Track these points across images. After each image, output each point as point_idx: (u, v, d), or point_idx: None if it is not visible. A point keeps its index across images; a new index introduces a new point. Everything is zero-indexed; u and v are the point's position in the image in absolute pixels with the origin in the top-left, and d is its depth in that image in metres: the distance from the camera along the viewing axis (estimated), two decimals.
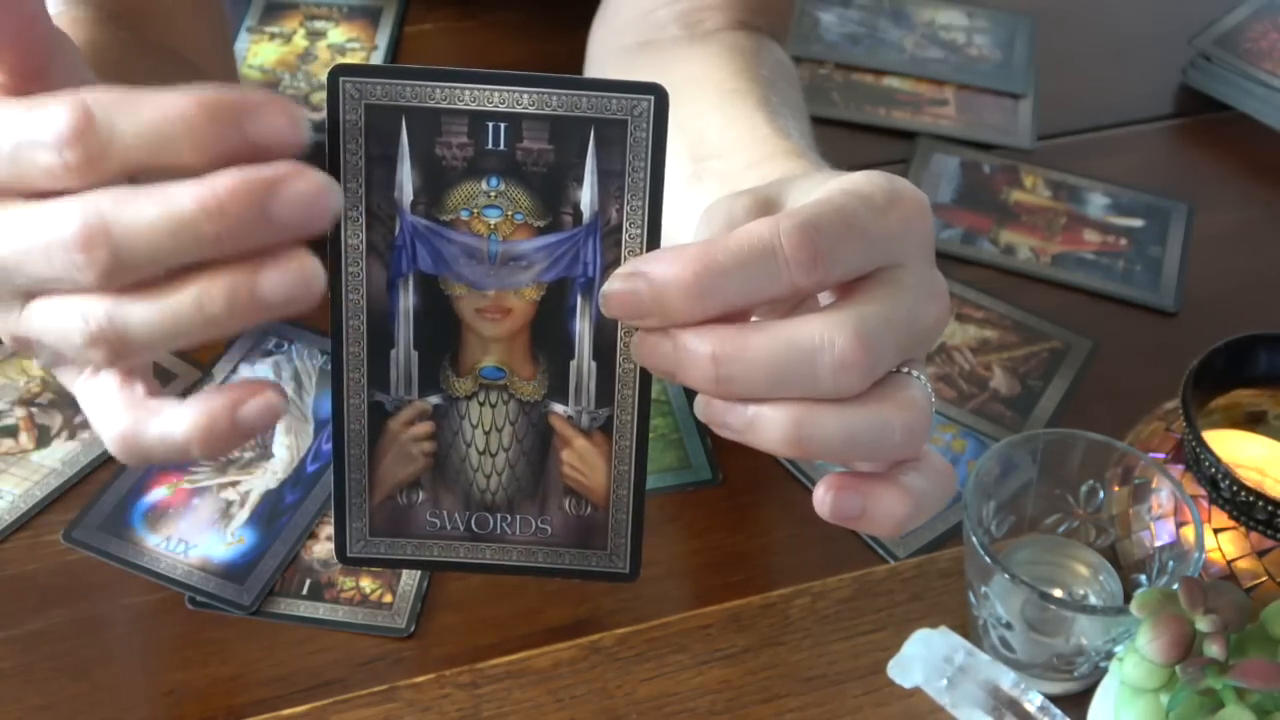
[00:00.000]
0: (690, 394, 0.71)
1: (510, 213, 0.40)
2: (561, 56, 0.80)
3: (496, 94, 0.39)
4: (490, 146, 0.39)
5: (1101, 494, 0.58)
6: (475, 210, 0.40)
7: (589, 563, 0.44)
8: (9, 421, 0.67)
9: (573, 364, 0.42)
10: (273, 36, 0.92)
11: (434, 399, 0.42)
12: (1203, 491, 0.56)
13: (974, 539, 0.53)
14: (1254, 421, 0.62)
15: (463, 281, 0.41)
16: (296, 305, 0.37)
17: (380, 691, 0.56)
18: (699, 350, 0.38)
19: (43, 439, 0.67)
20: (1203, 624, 0.47)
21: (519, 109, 0.39)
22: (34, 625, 0.59)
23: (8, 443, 0.67)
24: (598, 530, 0.44)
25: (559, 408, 0.42)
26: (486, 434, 0.43)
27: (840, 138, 0.89)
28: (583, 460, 0.43)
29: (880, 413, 0.40)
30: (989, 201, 0.84)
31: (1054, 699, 0.53)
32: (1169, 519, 0.56)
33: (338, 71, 0.39)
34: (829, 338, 0.38)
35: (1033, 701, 0.52)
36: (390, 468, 0.43)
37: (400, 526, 0.44)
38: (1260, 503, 0.54)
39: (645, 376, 0.42)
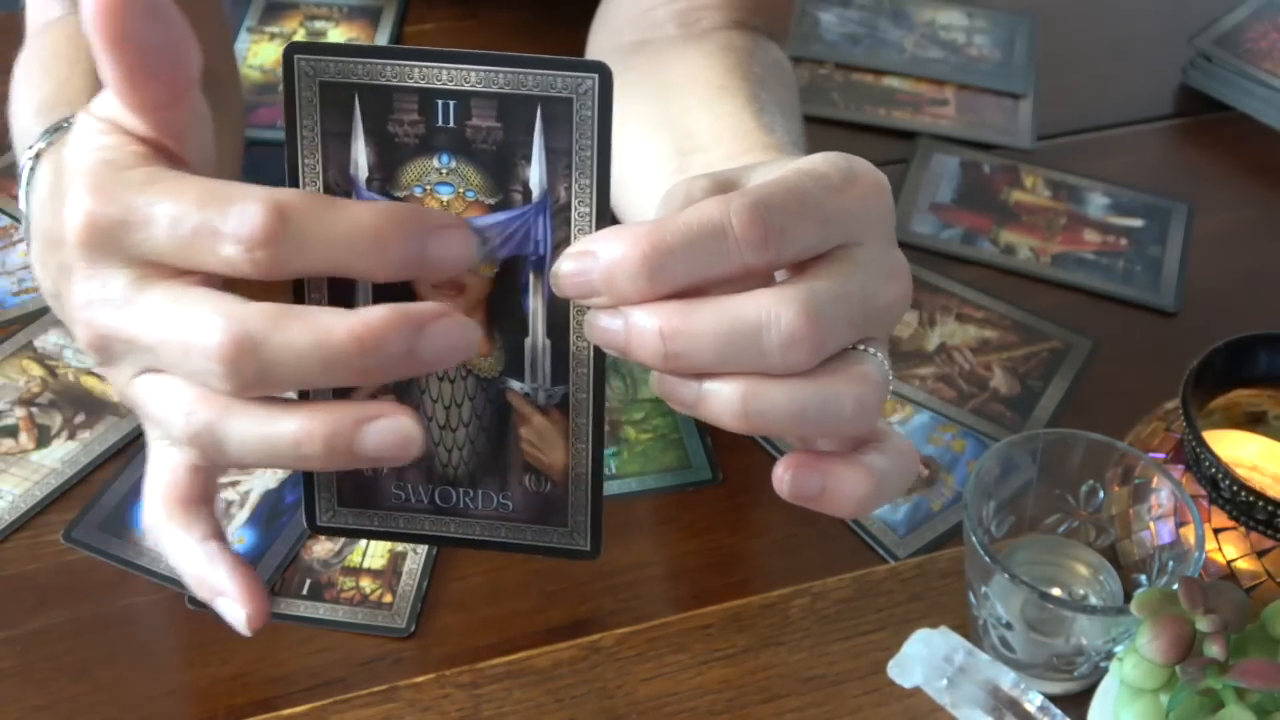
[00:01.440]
0: None
1: (462, 190, 0.41)
2: (563, 55, 0.80)
3: (445, 72, 0.39)
4: (440, 124, 0.40)
5: (1101, 494, 0.58)
6: (428, 187, 0.41)
7: (550, 539, 0.45)
8: (9, 421, 0.67)
9: (527, 341, 0.42)
10: (273, 37, 0.92)
11: None
12: (1203, 491, 0.56)
13: (974, 539, 0.53)
14: (1254, 421, 0.62)
15: None
16: (389, 463, 0.39)
17: (380, 691, 0.56)
18: (647, 326, 0.38)
19: (43, 439, 0.67)
20: (1203, 624, 0.47)
21: (467, 87, 0.39)
22: (34, 625, 0.59)
23: (8, 443, 0.67)
24: (557, 507, 0.44)
25: (516, 385, 0.43)
26: (446, 409, 0.43)
27: (840, 138, 0.89)
28: (541, 437, 0.43)
29: (830, 387, 0.39)
30: (989, 201, 0.84)
31: (1054, 699, 0.53)
32: (1169, 519, 0.56)
33: (292, 49, 0.39)
34: (776, 313, 0.38)
35: (1033, 701, 0.52)
36: None
37: (367, 498, 0.44)
38: (1260, 503, 0.54)
39: (599, 355, 0.42)
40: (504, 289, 0.42)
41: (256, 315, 0.37)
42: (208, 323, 0.37)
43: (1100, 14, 1.01)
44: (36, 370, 0.70)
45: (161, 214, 0.38)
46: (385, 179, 0.41)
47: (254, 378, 0.37)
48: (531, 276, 0.41)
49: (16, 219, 0.80)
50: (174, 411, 0.39)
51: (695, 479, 0.67)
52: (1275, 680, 0.45)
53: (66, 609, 0.60)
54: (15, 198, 0.82)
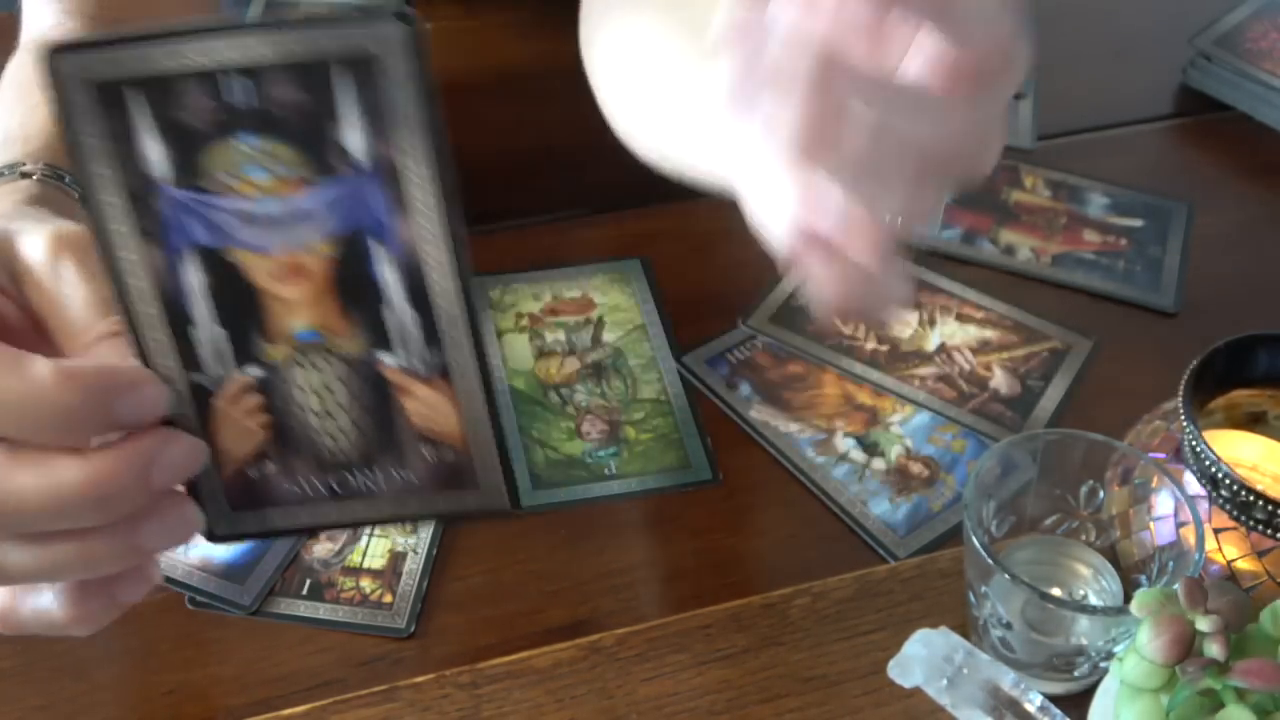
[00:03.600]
0: (690, 396, 0.71)
1: (275, 169, 0.38)
2: (564, 56, 0.80)
3: (231, 48, 0.36)
4: (238, 104, 0.37)
5: (1101, 494, 0.58)
6: (237, 173, 0.38)
7: (466, 503, 0.43)
8: None
9: (387, 313, 0.40)
10: None
11: (254, 370, 0.41)
12: (1203, 491, 0.56)
13: (974, 539, 0.53)
14: (1254, 421, 0.62)
15: (246, 248, 0.39)
16: (177, 544, 0.40)
17: (380, 691, 0.56)
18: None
19: None
20: (1203, 624, 0.47)
21: (260, 60, 0.36)
22: None
23: None
24: (465, 472, 0.42)
25: (387, 359, 0.41)
26: (319, 396, 0.41)
27: None
28: (430, 407, 0.42)
29: None
30: (989, 201, 0.84)
31: (1054, 699, 0.53)
32: (1169, 519, 0.56)
33: (52, 50, 0.36)
34: None
35: (1033, 701, 0.52)
36: (229, 445, 0.41)
37: (260, 498, 0.43)
38: (1260, 502, 0.54)
39: (472, 314, 0.40)
40: (349, 265, 0.39)
41: None
42: None
43: (1100, 14, 1.01)
44: None
45: None
46: (188, 173, 0.38)
47: None
48: (377, 247, 0.39)
49: None
50: None
51: (695, 479, 0.67)
52: (1275, 680, 0.45)
53: None
54: None
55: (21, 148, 0.50)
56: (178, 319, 0.40)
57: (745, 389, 0.72)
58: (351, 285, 0.40)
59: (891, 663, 0.54)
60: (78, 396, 0.37)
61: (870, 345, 0.74)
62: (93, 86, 0.36)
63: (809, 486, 0.67)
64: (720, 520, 0.65)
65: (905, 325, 0.75)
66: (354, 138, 0.37)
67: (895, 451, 0.69)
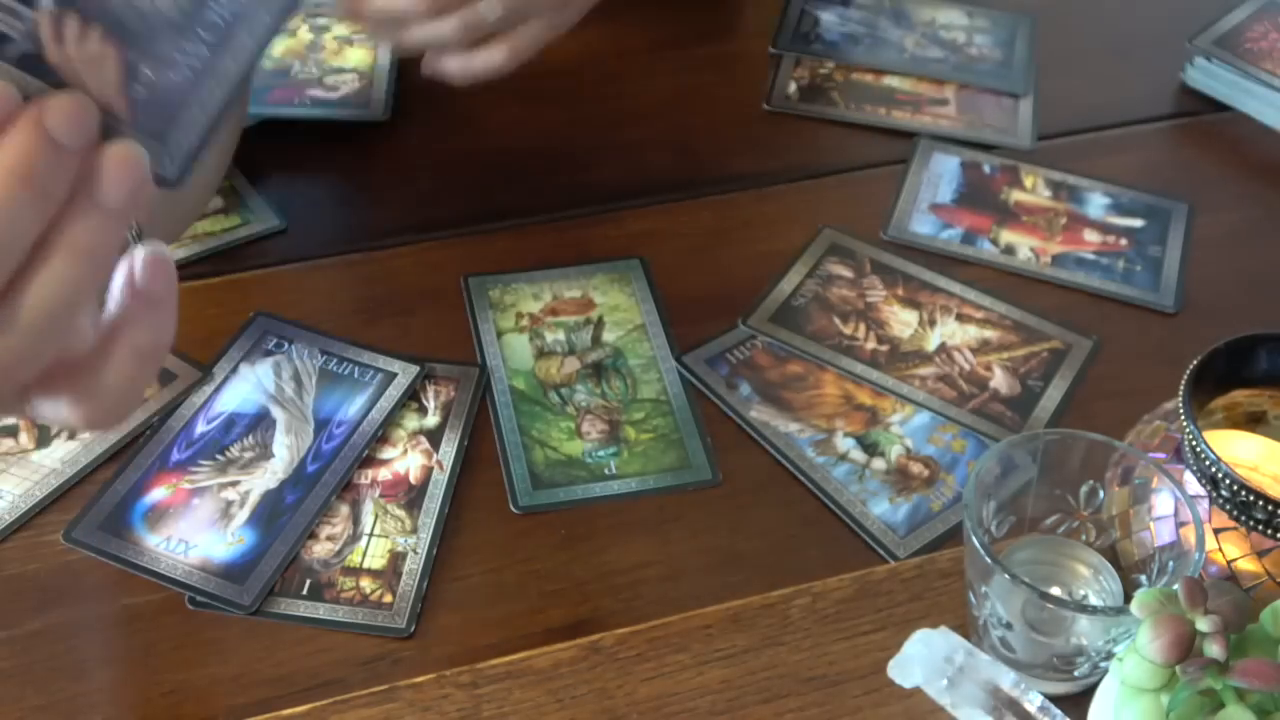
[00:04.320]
0: (690, 396, 0.71)
1: None
2: (565, 55, 0.80)
3: None
4: None
5: (1101, 494, 0.58)
6: None
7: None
8: (9, 421, 0.67)
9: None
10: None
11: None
12: (1203, 491, 0.56)
13: (974, 539, 0.53)
14: (1254, 421, 0.62)
15: None
16: (136, 185, 0.37)
17: (380, 691, 0.56)
18: None
19: (43, 439, 0.67)
20: (1203, 624, 0.47)
21: None
22: (34, 625, 0.60)
23: (8, 443, 0.67)
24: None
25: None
26: None
27: (840, 137, 0.89)
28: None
29: None
30: (989, 201, 0.84)
31: (1054, 699, 0.53)
32: (1169, 519, 0.56)
33: None
34: None
35: (1033, 701, 0.52)
36: (98, 86, 0.38)
37: (168, 107, 0.39)
38: (1260, 502, 0.54)
39: None
40: None
41: None
42: None
43: (1100, 14, 1.01)
44: None
45: None
46: None
47: None
48: None
49: None
50: None
51: (695, 479, 0.67)
52: (1275, 680, 0.45)
53: (66, 609, 0.60)
54: None
55: None
56: None
57: (745, 389, 0.72)
58: None
59: (891, 663, 0.54)
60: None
61: (870, 345, 0.74)
62: None
63: (809, 486, 0.67)
64: (720, 520, 0.65)
65: (905, 325, 0.75)
66: None
67: (895, 451, 0.69)
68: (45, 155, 0.36)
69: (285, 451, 0.67)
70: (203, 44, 0.39)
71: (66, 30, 0.38)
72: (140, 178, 0.38)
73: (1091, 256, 0.81)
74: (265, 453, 0.67)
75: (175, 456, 0.66)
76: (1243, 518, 0.55)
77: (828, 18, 0.98)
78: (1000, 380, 0.73)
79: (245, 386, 0.70)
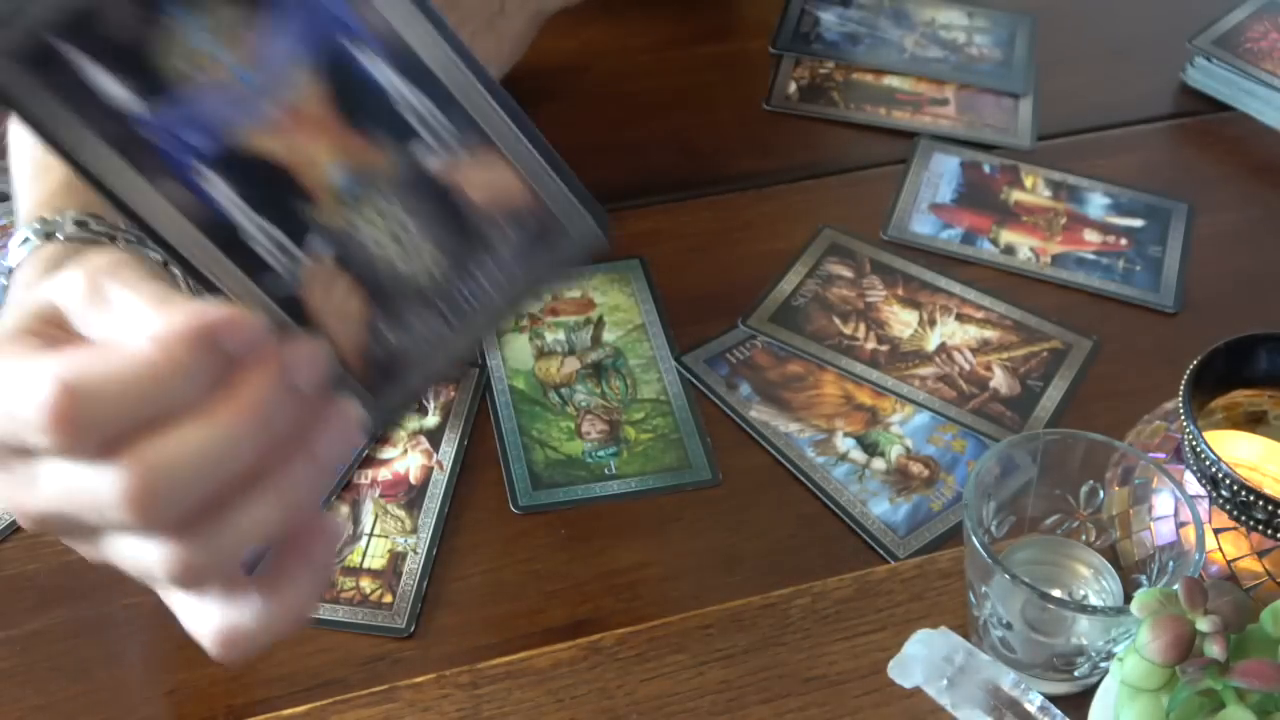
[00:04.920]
0: (690, 396, 0.71)
1: (221, 31, 0.36)
2: (565, 55, 0.80)
3: None
4: None
5: (1101, 494, 0.58)
6: (189, 55, 0.36)
7: (565, 250, 0.42)
8: None
9: (402, 110, 0.38)
10: None
11: (316, 242, 0.39)
12: (1203, 491, 0.56)
13: (974, 539, 0.53)
14: (1254, 421, 0.62)
15: (243, 126, 0.37)
16: (351, 445, 0.39)
17: (380, 691, 0.56)
18: None
19: None
20: (1203, 624, 0.47)
21: None
22: (34, 625, 0.59)
23: None
24: (549, 223, 0.41)
25: (428, 158, 0.39)
26: (392, 237, 0.40)
27: (840, 137, 0.89)
28: (488, 182, 0.40)
29: None
30: (989, 201, 0.84)
31: (1054, 699, 0.53)
32: (1169, 519, 0.56)
33: None
34: None
35: (1033, 702, 0.52)
36: (339, 334, 0.40)
37: (392, 368, 0.41)
38: (1261, 503, 0.54)
39: (478, 70, 0.38)
40: (339, 81, 0.37)
41: (145, 452, 0.36)
42: (98, 471, 0.36)
43: (1100, 14, 1.01)
44: None
45: None
46: (150, 84, 0.35)
47: (170, 510, 0.36)
48: (353, 49, 0.37)
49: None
50: (146, 561, 0.38)
51: (695, 479, 0.67)
52: (1275, 680, 0.45)
53: (66, 609, 0.60)
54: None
55: (48, 212, 0.50)
56: (224, 235, 0.38)
57: (745, 389, 0.72)
58: (354, 102, 0.38)
59: (891, 663, 0.54)
60: (184, 349, 0.36)
61: (870, 345, 0.74)
62: (15, 58, 0.34)
63: (809, 486, 0.67)
64: (720, 520, 0.65)
65: (905, 325, 0.75)
66: None
67: (895, 451, 0.69)
68: (280, 396, 0.37)
69: None
70: (443, 319, 0.41)
71: (329, 280, 0.39)
72: (356, 440, 0.40)
73: (1091, 256, 0.81)
74: None
75: None
76: (1243, 518, 0.55)
77: (828, 18, 0.98)
78: (1000, 380, 0.73)
79: None
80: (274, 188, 0.38)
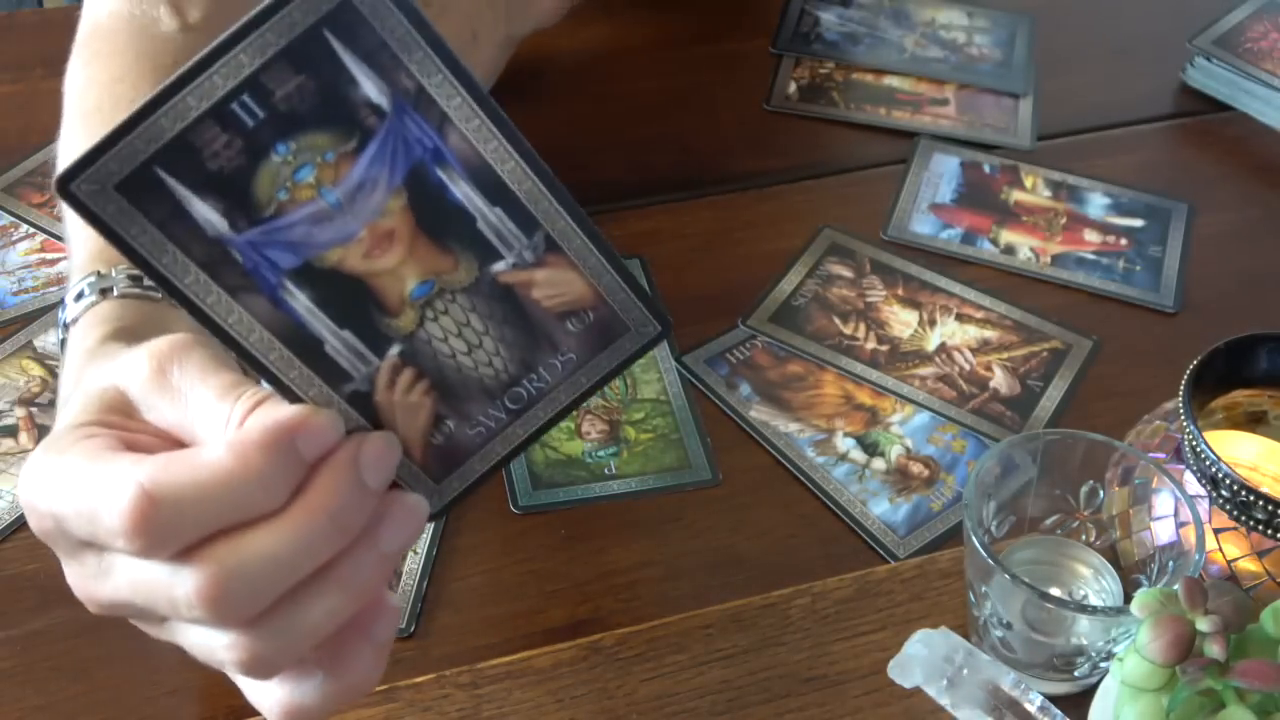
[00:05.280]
0: (690, 396, 0.71)
1: (318, 160, 0.38)
2: (565, 54, 0.80)
3: (217, 77, 0.36)
4: (252, 123, 0.37)
5: (1101, 494, 0.58)
6: (288, 185, 0.38)
7: (627, 348, 0.43)
8: (9, 421, 0.67)
9: (479, 224, 0.40)
10: None
11: (394, 349, 0.41)
12: (1203, 491, 0.56)
13: (974, 539, 0.53)
14: (1254, 421, 0.62)
15: (330, 246, 0.39)
16: (414, 536, 0.41)
17: (380, 691, 0.56)
18: None
19: (43, 439, 0.67)
20: (1203, 624, 0.47)
21: (247, 70, 0.36)
22: (34, 625, 0.59)
23: (8, 443, 0.67)
24: (611, 321, 0.43)
25: (500, 266, 0.41)
26: (461, 336, 0.41)
27: (840, 137, 0.89)
28: (555, 285, 0.42)
29: None
30: (989, 201, 0.84)
31: (1054, 699, 0.53)
32: (1169, 519, 0.56)
33: (63, 181, 0.35)
34: None
35: (1033, 702, 0.52)
36: (406, 428, 0.42)
37: (455, 458, 0.43)
38: (1260, 503, 0.54)
39: (543, 173, 0.40)
40: (424, 201, 0.39)
41: (217, 553, 0.38)
42: (173, 569, 0.38)
43: (1100, 14, 1.01)
44: (36, 370, 0.70)
45: (63, 511, 0.39)
46: (246, 212, 0.37)
47: (241, 605, 0.38)
48: (440, 171, 0.39)
49: (17, 216, 0.80)
50: (215, 648, 0.40)
51: (695, 479, 0.67)
52: (1275, 680, 0.45)
53: (66, 609, 0.60)
54: (17, 197, 0.82)
55: (102, 265, 0.51)
56: (305, 346, 0.40)
57: (745, 389, 0.72)
58: (437, 220, 0.40)
59: (891, 663, 0.54)
60: (261, 457, 0.37)
61: (870, 345, 0.74)
62: (115, 191, 0.36)
63: (809, 486, 0.67)
64: (720, 520, 0.65)
65: (905, 325, 0.75)
66: (369, 86, 0.37)
67: (895, 451, 0.69)
68: (353, 495, 0.39)
69: None
70: (505, 411, 0.43)
71: (398, 379, 0.41)
72: (419, 530, 0.41)
73: (1091, 256, 0.81)
74: None
75: None
76: (1243, 518, 0.55)
77: (828, 18, 0.98)
78: (1000, 380, 0.73)
79: None
80: (356, 302, 0.40)
